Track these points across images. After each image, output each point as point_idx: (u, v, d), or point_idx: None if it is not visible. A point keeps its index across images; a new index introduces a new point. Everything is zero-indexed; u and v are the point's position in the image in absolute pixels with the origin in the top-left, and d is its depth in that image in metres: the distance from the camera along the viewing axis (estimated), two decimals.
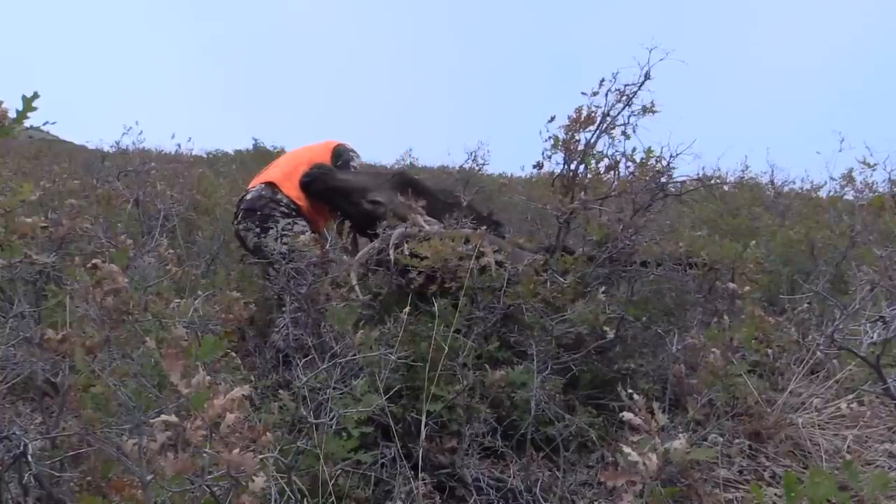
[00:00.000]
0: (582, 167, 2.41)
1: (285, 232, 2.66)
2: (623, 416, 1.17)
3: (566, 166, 2.43)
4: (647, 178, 2.22)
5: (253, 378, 1.80)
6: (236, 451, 0.99)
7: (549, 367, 1.90)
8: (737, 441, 2.01)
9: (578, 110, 2.36)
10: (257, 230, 2.70)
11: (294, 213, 2.74)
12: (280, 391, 1.69)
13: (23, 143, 7.28)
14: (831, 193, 5.01)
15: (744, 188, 6.03)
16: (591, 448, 1.93)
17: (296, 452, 1.41)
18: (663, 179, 2.22)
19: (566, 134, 2.38)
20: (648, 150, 2.26)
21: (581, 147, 2.39)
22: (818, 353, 2.27)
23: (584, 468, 1.89)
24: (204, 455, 0.99)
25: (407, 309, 1.87)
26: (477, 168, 6.40)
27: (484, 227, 2.24)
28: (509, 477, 1.79)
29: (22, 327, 1.57)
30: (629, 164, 2.33)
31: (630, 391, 1.26)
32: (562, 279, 2.09)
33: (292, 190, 2.75)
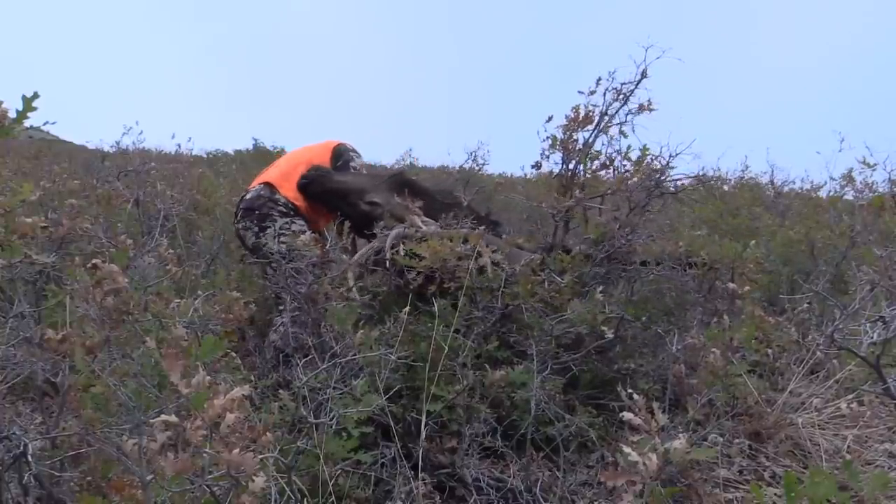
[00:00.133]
0: (580, 167, 2.41)
1: (283, 231, 2.66)
2: (623, 416, 1.17)
3: (564, 166, 2.43)
4: (644, 176, 2.22)
5: (253, 378, 1.80)
6: (236, 451, 0.98)
7: (548, 367, 1.90)
8: (737, 441, 2.00)
9: (576, 110, 2.36)
10: (256, 229, 2.70)
11: (292, 213, 2.74)
12: (280, 391, 1.69)
13: (23, 143, 7.28)
14: (831, 193, 5.01)
15: (744, 188, 6.03)
16: (591, 448, 1.92)
17: (296, 452, 1.41)
18: (660, 177, 2.22)
19: (564, 133, 2.38)
20: (644, 148, 2.26)
21: (579, 146, 2.39)
22: (818, 353, 2.26)
23: (584, 468, 1.88)
24: (204, 455, 0.99)
25: (407, 309, 1.87)
26: (477, 168, 6.38)
27: (482, 227, 2.24)
28: (509, 477, 1.79)
29: (22, 327, 1.57)
30: (625, 161, 2.34)
31: (630, 391, 1.25)
32: (559, 279, 2.09)
33: (290, 190, 2.75)
